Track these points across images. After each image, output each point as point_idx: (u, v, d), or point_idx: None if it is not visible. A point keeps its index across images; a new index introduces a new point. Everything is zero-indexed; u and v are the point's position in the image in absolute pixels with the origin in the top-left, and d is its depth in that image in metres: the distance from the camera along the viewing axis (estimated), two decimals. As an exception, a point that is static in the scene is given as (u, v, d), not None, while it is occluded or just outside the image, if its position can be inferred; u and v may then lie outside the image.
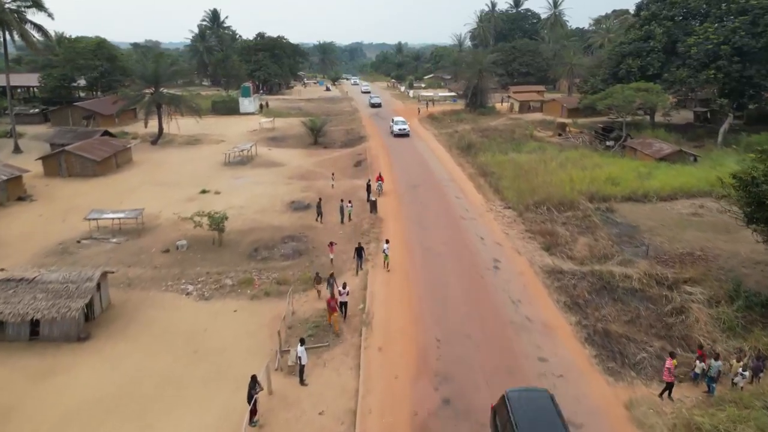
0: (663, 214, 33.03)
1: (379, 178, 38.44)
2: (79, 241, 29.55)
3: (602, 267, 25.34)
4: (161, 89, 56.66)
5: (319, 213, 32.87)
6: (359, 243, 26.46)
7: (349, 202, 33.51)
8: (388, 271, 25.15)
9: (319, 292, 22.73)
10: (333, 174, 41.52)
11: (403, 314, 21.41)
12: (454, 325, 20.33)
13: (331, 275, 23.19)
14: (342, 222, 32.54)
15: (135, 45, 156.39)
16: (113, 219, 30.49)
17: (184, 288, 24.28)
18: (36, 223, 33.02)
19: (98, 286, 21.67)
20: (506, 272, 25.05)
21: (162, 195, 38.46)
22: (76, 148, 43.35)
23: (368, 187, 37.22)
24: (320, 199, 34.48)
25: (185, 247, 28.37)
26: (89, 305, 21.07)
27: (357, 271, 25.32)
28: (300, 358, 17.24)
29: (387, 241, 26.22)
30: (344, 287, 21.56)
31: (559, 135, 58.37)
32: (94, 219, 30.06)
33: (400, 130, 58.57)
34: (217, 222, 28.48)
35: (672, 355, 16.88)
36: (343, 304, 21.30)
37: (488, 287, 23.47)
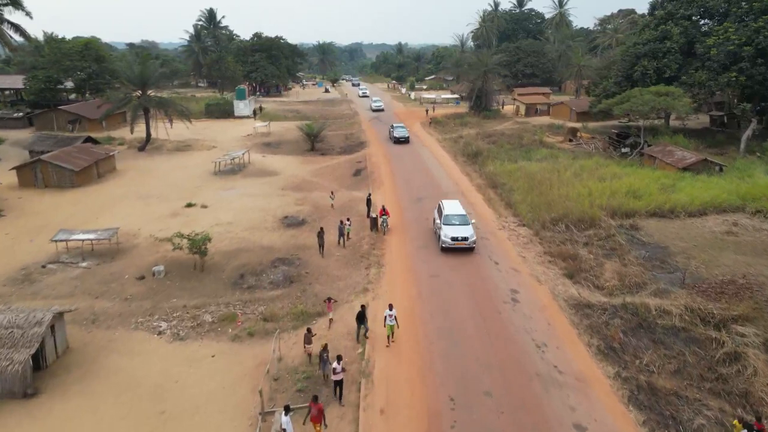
0: (694, 233, 29.89)
1: (384, 212, 30.56)
2: (44, 266, 26.35)
3: (635, 299, 22.22)
4: (149, 92, 53.45)
5: (321, 245, 27.74)
6: (362, 306, 20.17)
7: (348, 219, 30.28)
8: (388, 346, 19.08)
9: (309, 355, 18.41)
10: (332, 193, 36.71)
11: (409, 362, 18.22)
12: (470, 379, 17.16)
13: (324, 348, 17.39)
14: (339, 243, 28.91)
15: (130, 45, 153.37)
16: (83, 240, 27.31)
17: (156, 326, 21.08)
18: (1, 242, 29.83)
19: (53, 328, 18.55)
20: (526, 306, 21.87)
21: (144, 209, 35.31)
22: (53, 157, 40.15)
23: (368, 201, 34.10)
24: (321, 228, 28.65)
25: (162, 273, 25.18)
26: (40, 352, 17.95)
27: (357, 338, 19.68)
28: (284, 430, 14.08)
29: (390, 307, 19.14)
30: (339, 361, 16.30)
31: (570, 141, 55.21)
32: (61, 240, 26.89)
33: (453, 240, 26.75)
34: (198, 245, 25.30)
35: (749, 428, 13.75)
36: (338, 384, 16.40)
37: (507, 326, 20.28)
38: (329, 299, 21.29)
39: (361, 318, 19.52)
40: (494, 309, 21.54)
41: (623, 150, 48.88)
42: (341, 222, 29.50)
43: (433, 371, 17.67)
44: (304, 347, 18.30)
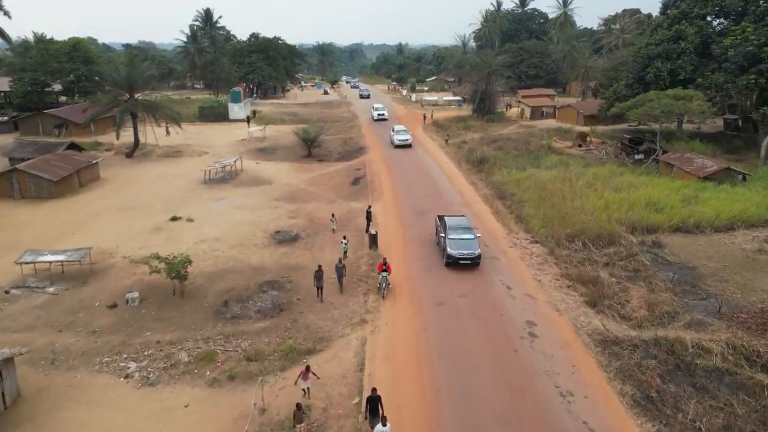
0: (723, 251, 27.31)
1: (384, 266, 23.29)
2: (7, 291, 23.72)
3: (668, 332, 19.67)
4: (137, 95, 50.83)
5: (319, 287, 23.02)
6: (374, 390, 15.21)
7: (344, 237, 27.63)
8: None
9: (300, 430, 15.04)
10: (333, 215, 31.59)
11: (413, 418, 15.61)
12: (485, 439, 14.57)
13: None
14: (339, 288, 23.71)
15: (127, 46, 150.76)
16: (51, 263, 24.72)
17: (123, 367, 18.49)
18: (-35, 262, 27.25)
19: (0, 374, 15.98)
20: (546, 342, 19.27)
21: (125, 223, 32.69)
22: (30, 165, 37.55)
23: (368, 214, 31.58)
24: (320, 267, 23.34)
25: (137, 300, 22.59)
26: (-17, 405, 15.41)
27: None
28: None
29: (384, 421, 14.13)
30: None
31: (579, 146, 52.59)
32: (27, 263, 24.29)
33: None
34: (176, 268, 22.69)
35: None
36: None
37: (526, 369, 17.66)
38: (307, 368, 16.58)
39: (375, 407, 14.86)
40: (510, 346, 18.94)
41: (637, 156, 46.28)
42: (339, 260, 24.31)
43: (441, 425, 15.08)
44: (295, 426, 14.95)
